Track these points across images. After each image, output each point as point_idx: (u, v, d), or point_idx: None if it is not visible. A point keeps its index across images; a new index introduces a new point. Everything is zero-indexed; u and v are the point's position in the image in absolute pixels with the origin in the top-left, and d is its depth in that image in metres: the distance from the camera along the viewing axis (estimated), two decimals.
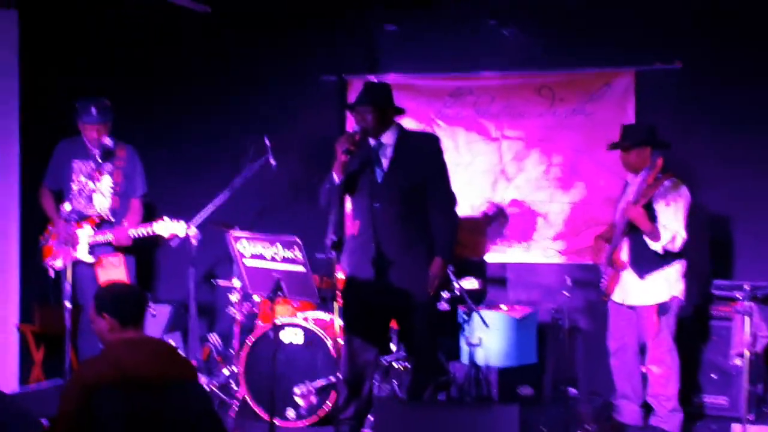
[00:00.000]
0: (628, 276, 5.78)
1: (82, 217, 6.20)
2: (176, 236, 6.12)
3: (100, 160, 6.14)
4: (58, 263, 6.10)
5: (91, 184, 6.25)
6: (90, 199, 6.29)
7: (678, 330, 5.77)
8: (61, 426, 3.71)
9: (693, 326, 6.28)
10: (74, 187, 6.27)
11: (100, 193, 6.29)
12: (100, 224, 6.24)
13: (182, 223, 6.12)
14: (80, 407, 3.68)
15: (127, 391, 3.70)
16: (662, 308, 5.69)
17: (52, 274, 6.21)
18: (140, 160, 6.44)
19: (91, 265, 6.23)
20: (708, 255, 6.69)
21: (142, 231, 6.13)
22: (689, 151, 6.53)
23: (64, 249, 5.84)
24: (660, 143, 5.83)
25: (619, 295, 5.85)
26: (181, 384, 3.87)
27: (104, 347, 3.96)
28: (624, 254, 5.79)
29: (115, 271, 6.25)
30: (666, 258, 5.67)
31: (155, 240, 6.31)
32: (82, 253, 6.18)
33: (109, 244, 6.20)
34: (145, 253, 6.99)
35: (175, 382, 3.84)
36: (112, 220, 6.26)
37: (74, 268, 6.12)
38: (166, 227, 6.08)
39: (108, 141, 6.19)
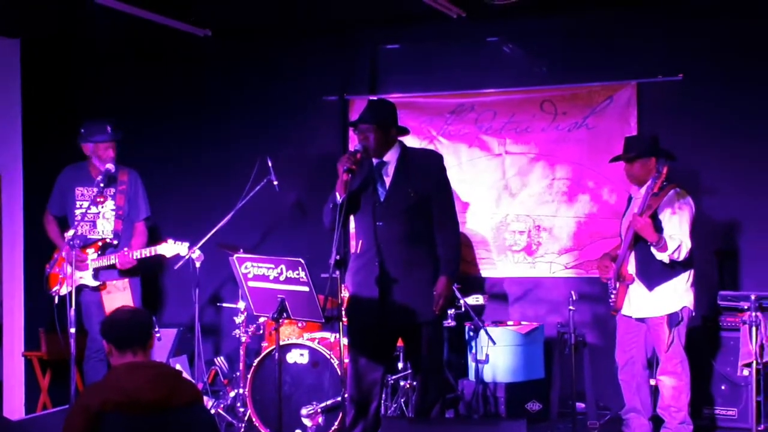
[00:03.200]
0: (637, 289, 5.75)
1: (86, 243, 6.22)
2: (179, 255, 6.14)
3: (102, 185, 6.16)
4: (64, 290, 6.10)
5: (94, 209, 6.27)
6: (93, 224, 6.32)
7: (687, 341, 5.74)
8: None
9: (701, 337, 6.25)
10: (77, 212, 6.29)
11: (103, 217, 6.31)
12: (104, 248, 6.26)
13: (185, 244, 6.15)
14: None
15: (132, 416, 3.68)
16: (673, 319, 5.66)
17: (57, 300, 6.21)
18: (142, 183, 6.47)
19: (96, 290, 6.24)
20: (714, 265, 6.67)
21: (146, 253, 6.15)
22: (693, 162, 6.53)
23: (68, 275, 5.84)
24: (664, 153, 5.81)
25: (628, 309, 5.82)
26: (186, 407, 3.85)
27: (108, 372, 3.94)
28: (631, 267, 5.76)
29: (120, 295, 6.26)
30: (674, 268, 5.64)
31: (159, 262, 6.33)
32: (87, 278, 6.19)
33: (114, 267, 6.21)
34: (150, 277, 7.00)
35: (180, 405, 3.82)
36: (116, 243, 6.27)
37: (79, 293, 6.15)
38: (170, 249, 6.11)
39: (111, 166, 6.22)
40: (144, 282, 6.50)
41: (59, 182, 6.49)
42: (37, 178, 7.10)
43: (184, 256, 6.23)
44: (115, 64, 7.72)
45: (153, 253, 6.15)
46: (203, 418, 4.00)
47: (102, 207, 6.31)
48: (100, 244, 6.25)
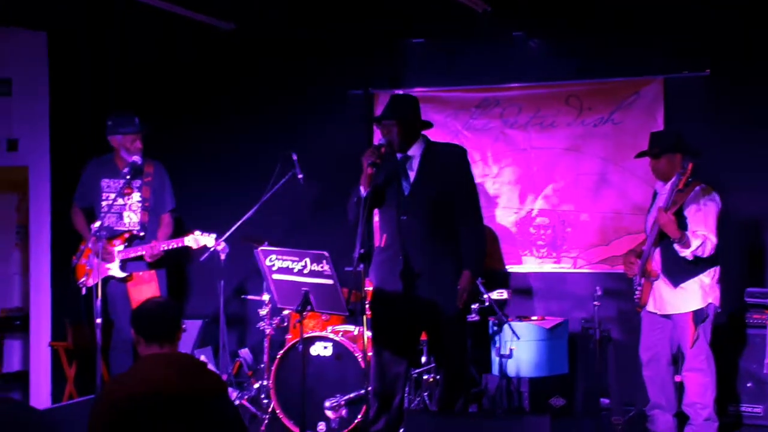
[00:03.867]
0: (662, 285, 5.72)
1: (113, 234, 6.26)
2: (205, 247, 6.18)
3: (129, 177, 6.20)
4: (90, 281, 6.15)
5: (120, 201, 6.31)
6: (120, 215, 6.35)
7: (713, 338, 5.71)
8: None
9: (728, 334, 6.20)
10: (104, 204, 6.33)
11: (130, 209, 6.35)
12: (131, 240, 6.30)
13: (213, 235, 6.18)
14: (110, 423, 3.69)
15: (157, 407, 3.70)
16: (699, 315, 5.63)
17: (84, 291, 6.25)
18: (168, 175, 6.49)
19: (123, 281, 6.28)
20: (741, 262, 6.63)
21: (174, 244, 6.18)
22: (719, 158, 6.46)
23: (95, 265, 5.88)
24: (689, 149, 5.78)
25: (653, 305, 5.80)
26: (211, 399, 3.87)
27: (134, 363, 3.97)
28: (656, 263, 5.74)
29: (146, 287, 6.30)
30: (699, 265, 5.61)
31: (185, 253, 6.36)
32: (114, 269, 6.23)
33: (141, 259, 6.25)
34: (176, 269, 7.03)
35: (205, 397, 3.84)
36: (142, 235, 6.31)
37: (106, 284, 6.19)
38: (197, 240, 6.14)
39: (137, 158, 6.26)
40: (169, 273, 6.53)
41: (85, 174, 6.53)
42: (64, 170, 7.16)
43: (211, 248, 6.27)
44: (140, 56, 7.75)
45: (180, 245, 6.19)
46: (228, 410, 4.03)
47: (129, 199, 6.35)
48: (126, 235, 6.29)
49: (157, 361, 3.83)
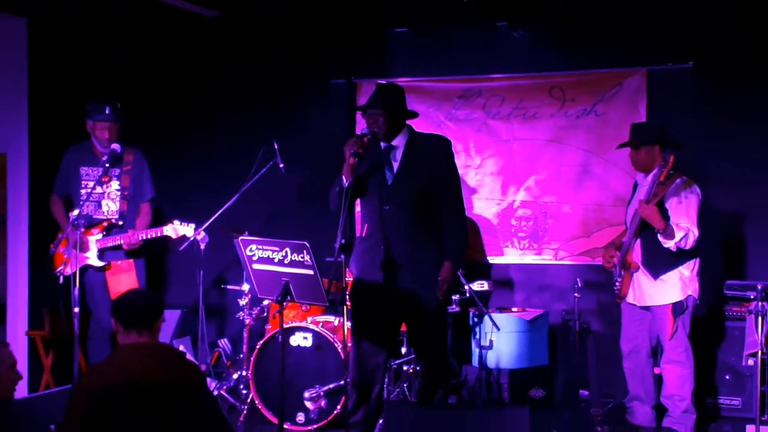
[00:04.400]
0: (642, 277, 5.74)
1: (91, 223, 6.21)
2: (185, 236, 6.14)
3: (107, 165, 6.16)
4: (68, 270, 6.10)
5: (99, 189, 6.26)
6: (99, 204, 6.31)
7: (692, 330, 5.72)
8: None
9: (706, 327, 6.21)
10: (83, 192, 6.29)
11: (108, 197, 6.30)
12: (109, 229, 6.25)
13: (192, 225, 6.15)
14: (87, 413, 3.66)
15: (135, 397, 3.68)
16: (678, 307, 5.64)
17: (61, 280, 6.20)
18: (148, 164, 6.45)
19: (101, 270, 6.24)
20: (720, 255, 6.64)
21: (152, 234, 6.14)
22: (701, 150, 6.48)
23: (73, 254, 5.84)
24: (670, 141, 5.78)
25: (632, 297, 5.81)
26: (189, 389, 3.85)
27: (112, 352, 3.94)
28: (636, 255, 5.74)
29: (124, 276, 6.27)
30: (679, 257, 5.62)
31: (164, 243, 6.31)
32: (93, 258, 6.19)
33: (119, 248, 6.21)
34: (155, 259, 6.99)
35: (184, 387, 3.82)
36: (121, 224, 6.27)
37: (84, 273, 6.16)
38: (176, 230, 6.11)
39: (116, 146, 6.22)
40: (148, 263, 6.49)
41: (64, 162, 6.49)
42: (42, 157, 7.09)
43: (190, 238, 6.23)
44: (122, 44, 7.69)
45: (159, 234, 6.15)
46: (206, 401, 4.00)
47: (107, 187, 6.30)
48: (105, 224, 6.25)
49: (135, 351, 3.81)
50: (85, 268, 6.20)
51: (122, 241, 6.17)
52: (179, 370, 3.87)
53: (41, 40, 7.25)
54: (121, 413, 3.66)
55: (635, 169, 5.90)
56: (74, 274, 5.72)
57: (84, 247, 6.10)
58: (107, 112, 6.26)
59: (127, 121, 6.45)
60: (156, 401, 3.73)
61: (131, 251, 6.24)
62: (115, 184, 6.32)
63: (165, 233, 6.15)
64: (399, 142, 5.20)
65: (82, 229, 5.94)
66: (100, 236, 6.21)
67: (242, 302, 6.41)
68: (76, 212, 5.87)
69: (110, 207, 6.32)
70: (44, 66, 7.26)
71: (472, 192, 7.22)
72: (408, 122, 5.29)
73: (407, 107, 5.32)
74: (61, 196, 6.47)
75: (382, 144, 5.19)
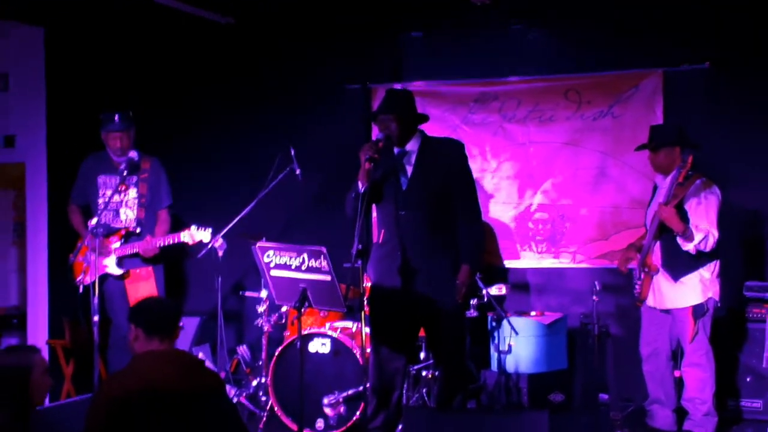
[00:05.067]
0: (662, 280, 5.71)
1: (109, 231, 6.23)
2: (201, 242, 6.13)
3: (125, 174, 6.17)
4: (88, 279, 6.12)
5: (117, 198, 6.28)
6: (117, 212, 6.33)
7: (712, 332, 5.69)
8: None
9: (727, 329, 6.18)
10: (100, 201, 6.31)
11: (126, 205, 6.32)
12: (127, 236, 6.27)
13: (209, 230, 6.13)
14: (107, 421, 3.67)
15: (155, 404, 3.69)
16: (698, 310, 5.61)
17: (81, 289, 6.22)
18: (165, 171, 6.47)
19: (120, 278, 6.26)
20: (740, 256, 6.60)
21: (169, 240, 6.15)
22: (719, 151, 6.44)
23: (92, 263, 5.86)
24: (689, 143, 5.76)
25: (652, 300, 5.78)
26: (208, 396, 3.86)
27: (131, 360, 3.95)
28: (656, 258, 5.71)
29: (143, 284, 6.28)
30: (699, 259, 5.59)
31: (183, 250, 6.32)
32: (111, 267, 6.21)
33: (137, 256, 6.22)
34: (174, 266, 7.01)
35: (203, 394, 3.83)
36: (138, 231, 6.28)
37: (103, 282, 6.17)
38: (193, 236, 6.10)
39: (134, 154, 6.23)
40: (167, 270, 6.51)
41: (82, 171, 6.51)
42: (61, 167, 7.13)
43: (207, 244, 6.23)
44: (138, 52, 7.73)
45: (176, 241, 6.14)
46: (225, 407, 4.01)
47: (125, 195, 6.32)
48: (123, 232, 6.27)
49: (154, 358, 3.83)
50: (105, 277, 6.22)
51: (139, 249, 6.17)
52: (198, 377, 3.89)
53: (59, 50, 7.31)
54: (141, 421, 3.67)
55: (655, 171, 5.88)
56: (93, 283, 5.74)
57: (103, 254, 6.12)
58: (116, 120, 6.26)
59: (143, 130, 6.46)
60: (176, 408, 3.74)
61: (149, 258, 6.26)
62: (132, 192, 6.33)
63: (182, 239, 6.14)
64: (412, 146, 5.19)
65: (101, 238, 5.97)
66: (118, 245, 6.23)
67: (260, 309, 6.41)
68: (94, 221, 5.90)
69: (128, 215, 6.33)
70: (62, 75, 7.31)
71: (489, 196, 7.20)
72: (422, 127, 5.29)
73: (421, 111, 5.32)
74: (78, 206, 6.50)
75: (396, 149, 5.19)
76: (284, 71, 7.59)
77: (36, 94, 7.26)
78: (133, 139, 6.34)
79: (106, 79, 7.58)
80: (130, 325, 3.94)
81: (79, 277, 6.26)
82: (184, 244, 6.20)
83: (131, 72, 7.72)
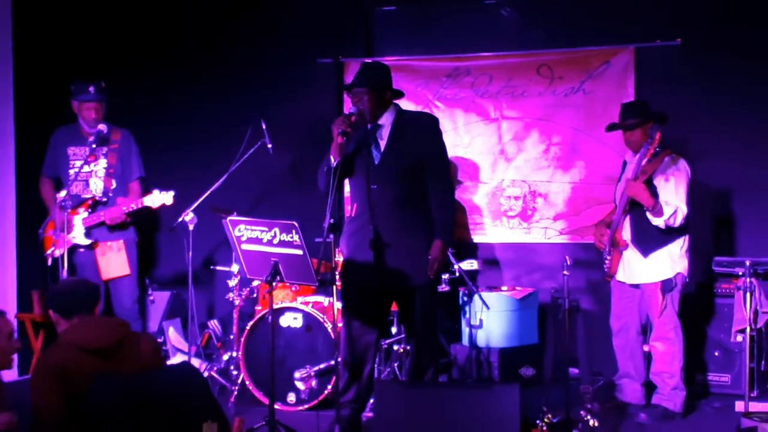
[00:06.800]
0: (631, 255, 5.74)
1: (78, 203, 6.18)
2: (164, 205, 6.09)
3: (94, 145, 6.13)
4: (58, 252, 6.07)
5: (86, 168, 6.23)
6: (86, 183, 6.29)
7: (681, 307, 5.73)
8: (45, 416, 3.73)
9: (696, 304, 6.24)
10: (71, 172, 6.26)
11: (96, 176, 6.28)
12: (94, 206, 6.23)
13: (171, 193, 6.09)
14: (55, 392, 3.72)
15: (94, 362, 3.80)
16: (667, 285, 5.65)
17: (50, 262, 6.18)
18: (136, 143, 6.42)
19: (89, 248, 6.21)
20: (710, 232, 6.66)
21: (133, 205, 6.10)
22: (690, 127, 6.49)
23: (61, 236, 5.81)
24: (660, 117, 5.77)
25: (622, 275, 5.81)
26: (168, 368, 3.93)
27: (61, 333, 4.05)
28: (626, 233, 5.74)
29: (114, 256, 6.25)
30: (669, 234, 5.62)
31: (152, 222, 6.26)
32: (79, 237, 6.16)
33: (106, 225, 6.17)
34: (145, 240, 6.96)
35: (136, 352, 4.01)
36: (105, 201, 6.24)
37: (73, 254, 6.13)
38: (156, 199, 6.06)
39: (103, 127, 6.18)
40: (139, 244, 6.47)
41: (52, 143, 6.46)
42: (29, 139, 7.03)
43: (179, 218, 6.18)
44: (107, 22, 7.61)
45: (140, 206, 6.10)
46: (196, 381, 4.01)
47: (95, 165, 6.28)
48: (90, 202, 6.22)
49: (81, 325, 3.95)
50: (74, 249, 6.18)
51: (105, 216, 6.13)
52: (128, 335, 4.04)
53: (26, 18, 7.18)
54: (81, 383, 3.75)
55: (628, 148, 5.88)
56: (63, 255, 5.69)
57: (69, 227, 6.06)
58: (92, 91, 6.22)
59: (112, 100, 6.40)
60: (142, 382, 3.79)
61: (118, 227, 6.21)
62: (102, 162, 6.29)
63: (145, 204, 6.09)
64: (385, 120, 5.17)
65: (69, 210, 5.92)
66: (85, 214, 6.18)
67: (231, 283, 6.39)
68: (63, 193, 5.85)
69: (98, 185, 6.29)
70: (29, 45, 7.19)
71: (461, 171, 7.20)
72: (396, 101, 5.26)
73: (395, 86, 5.29)
74: (50, 178, 6.45)
75: (369, 123, 5.17)
76: (256, 44, 7.50)
77: (3, 65, 7.13)
78: (105, 110, 6.29)
79: (74, 49, 7.45)
80: (49, 310, 4.05)
81: (49, 251, 6.21)
82: (148, 209, 6.14)
83: (100, 42, 7.59)
